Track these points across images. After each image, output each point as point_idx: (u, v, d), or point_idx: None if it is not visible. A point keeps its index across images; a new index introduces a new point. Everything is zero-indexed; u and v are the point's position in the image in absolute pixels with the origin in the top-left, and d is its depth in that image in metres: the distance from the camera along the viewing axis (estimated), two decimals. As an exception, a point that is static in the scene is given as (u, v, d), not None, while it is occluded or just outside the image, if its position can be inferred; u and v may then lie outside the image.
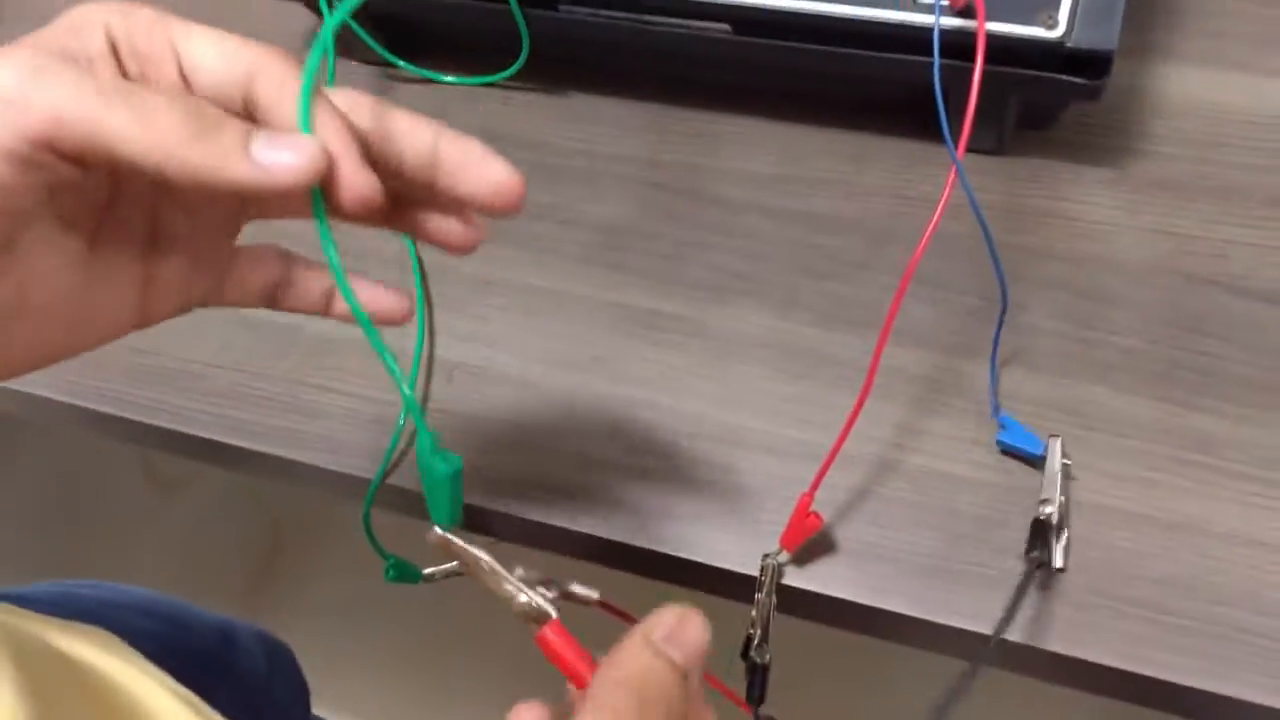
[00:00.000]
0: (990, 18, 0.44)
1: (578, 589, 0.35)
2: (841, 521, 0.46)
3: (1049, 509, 0.43)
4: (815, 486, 0.43)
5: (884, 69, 0.49)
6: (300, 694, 0.76)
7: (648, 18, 0.51)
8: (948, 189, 0.40)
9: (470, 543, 0.34)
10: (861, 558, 0.45)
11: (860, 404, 0.42)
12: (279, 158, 0.29)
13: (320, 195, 0.30)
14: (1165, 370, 0.47)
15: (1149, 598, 0.42)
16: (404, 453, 0.51)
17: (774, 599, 0.44)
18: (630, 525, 0.47)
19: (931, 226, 0.40)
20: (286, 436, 0.52)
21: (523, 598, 0.33)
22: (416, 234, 0.35)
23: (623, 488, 0.48)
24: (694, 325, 0.52)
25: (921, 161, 0.54)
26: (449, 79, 0.59)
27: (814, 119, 0.56)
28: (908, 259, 0.40)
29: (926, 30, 0.45)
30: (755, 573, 0.45)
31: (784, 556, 0.45)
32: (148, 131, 0.28)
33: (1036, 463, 0.45)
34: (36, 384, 0.55)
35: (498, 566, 0.34)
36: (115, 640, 0.42)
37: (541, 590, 0.34)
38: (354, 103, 0.32)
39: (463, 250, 0.35)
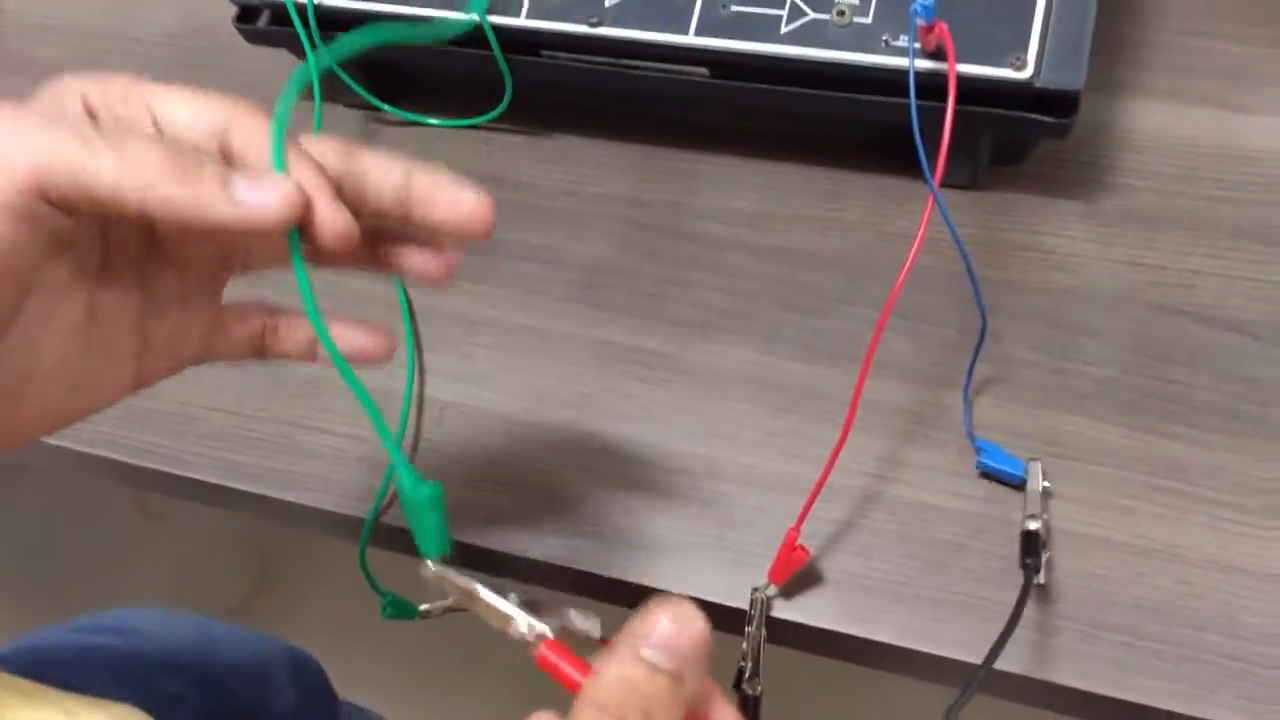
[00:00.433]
0: (961, 59, 0.45)
1: (577, 622, 0.35)
2: (828, 553, 0.47)
3: (1035, 523, 0.44)
4: (801, 520, 0.44)
5: (859, 109, 0.50)
6: (325, 710, 0.75)
7: (627, 62, 0.53)
8: (924, 220, 0.41)
9: (461, 574, 0.35)
10: (848, 589, 0.46)
11: (844, 438, 0.43)
12: (258, 197, 0.30)
13: (297, 236, 0.32)
14: (1137, 399, 0.48)
15: (1125, 623, 0.44)
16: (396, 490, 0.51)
17: (764, 631, 0.45)
18: (622, 561, 0.48)
19: (910, 259, 0.41)
20: (280, 477, 0.53)
21: (521, 625, 0.34)
22: (395, 270, 0.37)
23: (612, 523, 0.49)
24: (678, 361, 0.53)
25: (898, 197, 0.55)
26: (434, 122, 0.60)
27: (792, 157, 0.57)
28: (886, 293, 0.41)
29: (900, 72, 0.46)
30: (745, 606, 0.46)
31: (773, 589, 0.46)
32: (132, 171, 0.29)
33: (1017, 486, 0.46)
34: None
35: (493, 597, 0.34)
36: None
37: (533, 620, 0.33)
38: (324, 146, 0.34)
39: (442, 281, 0.37)
